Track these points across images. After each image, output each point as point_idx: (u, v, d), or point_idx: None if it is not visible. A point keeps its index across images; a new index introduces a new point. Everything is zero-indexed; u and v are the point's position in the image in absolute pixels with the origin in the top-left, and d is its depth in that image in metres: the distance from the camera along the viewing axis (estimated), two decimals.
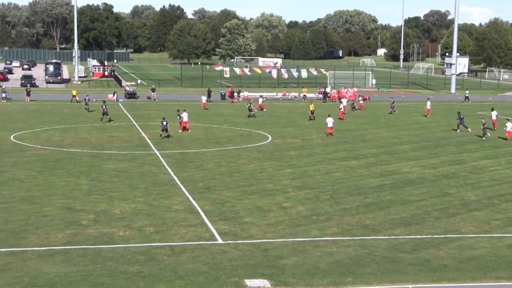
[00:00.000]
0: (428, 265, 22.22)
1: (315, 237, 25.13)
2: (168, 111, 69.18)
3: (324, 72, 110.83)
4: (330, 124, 52.07)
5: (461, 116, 57.24)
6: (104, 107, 59.43)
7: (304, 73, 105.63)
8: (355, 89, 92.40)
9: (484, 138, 52.00)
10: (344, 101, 69.49)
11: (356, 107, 73.89)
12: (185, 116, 54.04)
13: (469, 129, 56.06)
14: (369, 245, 24.26)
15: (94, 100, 79.67)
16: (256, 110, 68.66)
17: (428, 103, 69.52)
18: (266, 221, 27.15)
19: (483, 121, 52.91)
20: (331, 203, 30.51)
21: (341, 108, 65.17)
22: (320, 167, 39.49)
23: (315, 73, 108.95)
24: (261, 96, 79.05)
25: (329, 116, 52.73)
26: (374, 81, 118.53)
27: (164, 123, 48.97)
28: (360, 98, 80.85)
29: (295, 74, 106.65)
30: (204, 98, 73.93)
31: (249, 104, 66.64)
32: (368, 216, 28.38)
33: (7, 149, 43.72)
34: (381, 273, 21.36)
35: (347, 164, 40.66)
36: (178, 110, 56.93)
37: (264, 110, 70.92)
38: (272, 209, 29.14)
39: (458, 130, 56.33)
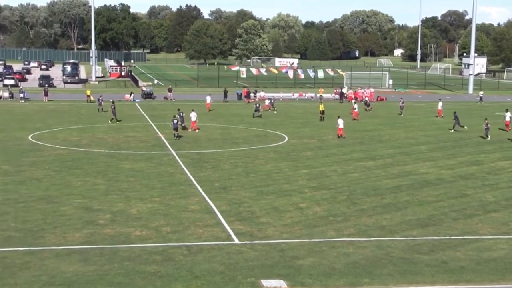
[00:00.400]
0: (446, 266, 22.08)
1: (332, 237, 25.07)
2: (184, 111, 69.32)
3: (341, 73, 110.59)
4: (341, 125, 51.70)
5: (457, 116, 57.43)
6: (112, 107, 59.83)
7: (320, 74, 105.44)
8: (372, 90, 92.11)
9: (488, 139, 51.64)
10: (355, 106, 67.55)
11: (370, 107, 74.00)
12: (193, 116, 54.09)
13: (465, 127, 56.36)
14: (386, 246, 24.16)
15: (111, 100, 80.00)
16: (262, 110, 69.15)
17: (440, 103, 69.21)
18: (283, 222, 27.12)
19: (486, 122, 52.54)
20: (347, 204, 30.42)
21: (355, 109, 64.88)
22: (336, 167, 39.40)
23: (331, 73, 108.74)
24: (268, 98, 77.92)
25: (339, 117, 52.38)
26: (391, 82, 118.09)
27: (175, 121, 49.11)
28: (367, 98, 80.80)
29: (312, 74, 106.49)
30: (209, 99, 72.89)
31: (257, 105, 67.08)
32: (385, 217, 28.27)
33: (25, 148, 44.01)
34: (398, 274, 21.26)
35: (364, 164, 40.53)
36: (178, 109, 56.79)
37: (269, 110, 70.99)
38: (288, 210, 29.11)
39: (453, 130, 56.35)
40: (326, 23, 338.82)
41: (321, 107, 63.63)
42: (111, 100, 64.64)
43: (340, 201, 31.00)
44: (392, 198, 31.68)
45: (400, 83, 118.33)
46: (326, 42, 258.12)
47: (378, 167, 39.82)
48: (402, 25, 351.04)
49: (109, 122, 58.42)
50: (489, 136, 52.04)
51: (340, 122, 51.55)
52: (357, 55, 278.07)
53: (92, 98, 77.56)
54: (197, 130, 53.48)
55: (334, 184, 34.61)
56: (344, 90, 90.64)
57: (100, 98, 68.63)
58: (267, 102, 73.77)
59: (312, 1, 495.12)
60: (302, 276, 20.89)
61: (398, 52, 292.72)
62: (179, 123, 51.15)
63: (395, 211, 29.23)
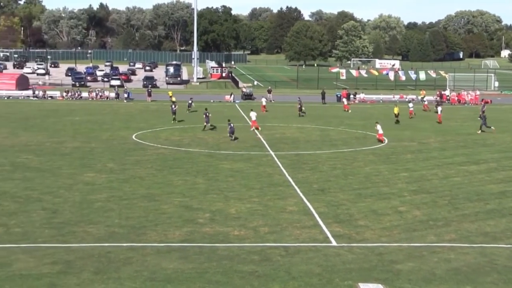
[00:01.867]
0: None
1: (432, 242, 24.50)
2: (285, 112, 69.64)
3: (443, 74, 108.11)
4: (380, 131, 49.82)
5: (484, 116, 56.37)
6: (173, 106, 61.08)
7: (422, 75, 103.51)
8: (478, 92, 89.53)
9: None
10: (439, 109, 65.64)
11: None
12: (253, 115, 55.16)
13: (492, 127, 55.51)
14: (490, 253, 23.36)
15: (212, 101, 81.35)
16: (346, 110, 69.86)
17: None
18: (381, 225, 26.75)
19: None
20: (449, 209, 29.65)
21: (438, 112, 63.06)
22: (437, 171, 38.49)
23: (433, 75, 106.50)
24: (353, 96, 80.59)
25: (377, 123, 50.70)
26: (496, 84, 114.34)
27: (232, 125, 49.26)
28: (425, 100, 79.27)
29: (413, 76, 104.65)
30: (264, 100, 73.14)
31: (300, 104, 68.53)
32: (489, 223, 27.35)
33: (129, 147, 45.38)
34: (503, 283, 20.50)
35: (466, 169, 39.39)
36: (206, 109, 57.02)
37: (349, 111, 71.93)
38: (387, 213, 28.68)
39: (479, 131, 55.15)
40: (429, 24, 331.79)
41: (396, 110, 62.23)
42: (172, 101, 66.13)
43: (441, 205, 30.26)
44: (497, 204, 30.62)
45: (506, 85, 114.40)
46: (429, 43, 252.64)
47: (482, 171, 38.60)
48: (511, 25, 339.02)
49: (172, 122, 59.24)
50: None
51: (379, 128, 49.94)
52: (461, 56, 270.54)
53: (173, 99, 77.69)
54: (259, 129, 54.40)
55: (435, 188, 33.82)
56: (447, 92, 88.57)
57: (190, 100, 70.58)
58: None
59: (415, 2, 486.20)
60: (401, 280, 20.52)
61: (505, 53, 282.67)
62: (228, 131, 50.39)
63: (499, 218, 28.24)
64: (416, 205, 30.11)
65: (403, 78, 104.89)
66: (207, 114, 54.54)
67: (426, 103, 76.77)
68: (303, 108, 68.09)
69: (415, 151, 45.71)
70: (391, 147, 47.33)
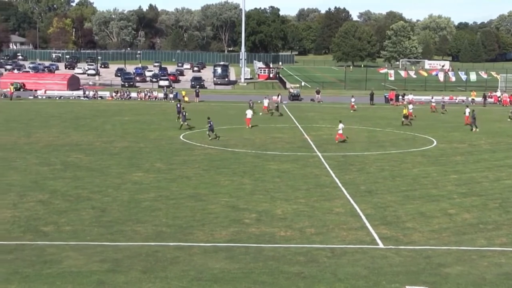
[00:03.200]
0: None
1: (482, 246, 24.07)
2: (332, 113, 69.35)
3: (495, 75, 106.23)
4: (340, 130, 48.61)
5: (474, 115, 56.96)
6: (178, 105, 61.79)
7: (473, 76, 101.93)
8: None
9: None
10: (466, 110, 64.09)
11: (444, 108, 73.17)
12: (249, 113, 56.61)
13: (475, 129, 55.83)
14: None
15: (259, 101, 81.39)
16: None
17: None
18: (430, 228, 26.40)
19: None
20: (500, 212, 29.10)
21: (411, 109, 62.35)
22: (488, 173, 37.81)
23: (485, 76, 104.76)
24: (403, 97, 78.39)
25: (340, 122, 49.47)
26: None
27: (212, 122, 49.37)
28: (434, 103, 78.20)
29: (463, 77, 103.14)
30: (266, 102, 71.74)
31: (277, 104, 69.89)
32: None
33: (177, 147, 45.75)
34: None
35: None
36: (183, 108, 58.32)
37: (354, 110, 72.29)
38: (436, 215, 28.29)
39: (477, 129, 55.81)
40: (480, 24, 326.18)
41: (405, 111, 61.07)
42: (178, 99, 67.23)
43: (491, 208, 29.72)
44: None
45: None
46: (480, 44, 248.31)
47: None
48: None
49: (176, 120, 59.37)
50: None
51: (340, 127, 48.75)
52: None
53: (186, 99, 78.50)
54: (249, 126, 55.87)
55: (485, 191, 33.24)
56: (498, 94, 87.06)
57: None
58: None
59: (466, 2, 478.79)
60: (449, 284, 20.22)
61: None
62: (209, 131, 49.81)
63: None
64: (465, 208, 29.64)
65: (453, 79, 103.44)
66: (184, 113, 55.41)
67: (434, 104, 76.28)
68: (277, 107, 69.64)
69: (465, 153, 45.02)
70: (440, 149, 46.70)
